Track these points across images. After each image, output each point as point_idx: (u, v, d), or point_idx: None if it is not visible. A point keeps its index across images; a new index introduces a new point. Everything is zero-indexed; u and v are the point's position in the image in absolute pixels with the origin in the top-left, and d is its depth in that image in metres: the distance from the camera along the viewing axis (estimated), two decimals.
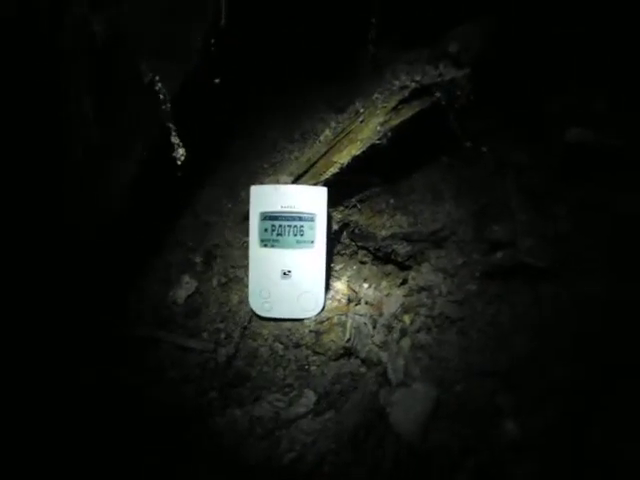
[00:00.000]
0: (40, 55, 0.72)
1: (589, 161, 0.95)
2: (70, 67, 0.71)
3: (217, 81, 0.81)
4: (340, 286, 1.11)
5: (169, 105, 0.77)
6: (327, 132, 1.06)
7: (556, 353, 0.91)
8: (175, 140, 0.77)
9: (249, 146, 1.14)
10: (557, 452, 0.82)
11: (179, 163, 0.79)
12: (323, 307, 1.06)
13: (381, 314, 1.07)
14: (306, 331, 1.04)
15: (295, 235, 1.03)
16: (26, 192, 0.83)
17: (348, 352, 1.03)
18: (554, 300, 0.95)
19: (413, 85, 0.98)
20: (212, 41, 0.79)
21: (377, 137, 1.02)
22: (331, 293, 1.10)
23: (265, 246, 1.03)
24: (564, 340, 0.91)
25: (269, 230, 1.03)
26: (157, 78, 0.75)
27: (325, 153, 1.04)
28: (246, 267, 1.07)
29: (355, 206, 1.14)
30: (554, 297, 0.95)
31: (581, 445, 0.81)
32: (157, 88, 0.75)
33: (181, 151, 0.78)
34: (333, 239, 1.13)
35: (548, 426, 0.84)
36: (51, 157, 0.81)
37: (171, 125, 0.77)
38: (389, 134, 1.02)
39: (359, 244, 1.16)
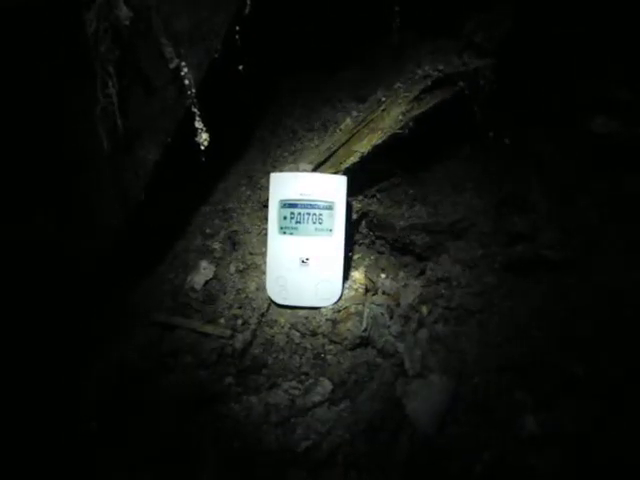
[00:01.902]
0: (66, 42, 0.73)
1: (614, 151, 0.94)
2: (96, 53, 0.71)
3: (240, 68, 0.81)
4: (358, 275, 1.11)
5: (194, 90, 0.77)
6: (348, 121, 1.05)
7: (576, 346, 0.90)
8: (199, 125, 0.78)
9: (269, 134, 1.14)
10: (576, 446, 0.81)
11: (202, 148, 0.79)
12: (340, 296, 1.06)
13: (398, 304, 1.07)
14: (323, 320, 1.04)
15: (314, 223, 1.03)
16: (52, 177, 0.84)
17: (365, 342, 1.03)
18: (575, 293, 0.94)
19: (436, 74, 0.97)
20: (237, 28, 0.79)
21: (398, 127, 1.01)
22: (349, 282, 1.10)
23: (284, 233, 1.03)
24: (585, 333, 0.91)
25: (288, 218, 1.03)
26: (183, 64, 0.75)
27: (346, 142, 1.04)
28: (264, 254, 1.07)
29: (374, 196, 1.13)
30: (575, 290, 0.94)
31: (601, 439, 0.80)
32: (183, 74, 0.76)
33: (205, 136, 0.78)
34: (352, 228, 1.13)
35: (568, 420, 0.83)
36: (76, 145, 0.82)
37: (196, 110, 0.77)
38: (410, 124, 1.01)
39: (377, 234, 1.15)
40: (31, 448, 0.88)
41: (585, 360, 0.88)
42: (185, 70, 0.75)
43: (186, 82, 0.76)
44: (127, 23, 0.66)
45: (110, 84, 0.73)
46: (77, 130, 0.79)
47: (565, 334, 0.92)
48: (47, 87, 0.76)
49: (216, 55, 0.80)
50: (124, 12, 0.65)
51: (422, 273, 1.13)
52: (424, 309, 1.06)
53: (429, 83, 0.97)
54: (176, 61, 0.74)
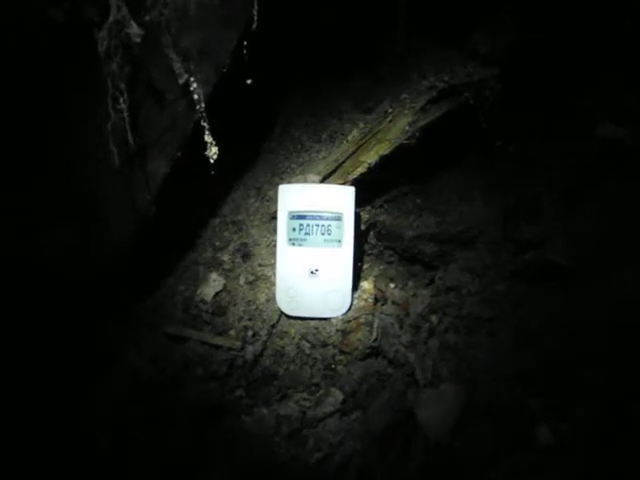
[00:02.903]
0: (77, 59, 0.74)
1: (622, 158, 0.94)
2: (108, 70, 0.72)
3: (249, 82, 0.82)
4: (367, 286, 1.11)
5: (203, 105, 0.78)
6: (355, 132, 1.06)
7: (588, 355, 0.89)
8: (209, 139, 0.79)
9: (277, 146, 1.15)
10: (591, 456, 0.80)
11: (212, 161, 0.80)
12: (350, 306, 1.06)
13: (408, 314, 1.07)
14: (333, 330, 1.04)
15: (323, 234, 1.03)
16: (63, 190, 0.85)
17: (375, 352, 1.03)
18: (585, 301, 0.94)
19: (441, 85, 0.98)
20: (245, 43, 0.81)
21: (405, 137, 1.02)
22: (358, 293, 1.10)
23: (293, 245, 1.04)
24: (596, 342, 0.90)
25: (297, 229, 1.04)
26: (192, 79, 0.77)
27: (353, 153, 1.05)
28: (273, 265, 1.08)
29: (382, 206, 1.14)
30: (585, 297, 0.94)
31: (617, 449, 0.79)
32: (192, 88, 0.77)
33: (214, 149, 0.79)
34: (361, 239, 1.13)
35: (582, 430, 0.82)
36: (88, 160, 0.84)
37: (205, 124, 0.78)
38: (417, 134, 1.02)
39: (386, 244, 1.16)
40: (42, 462, 0.89)
41: (600, 369, 0.87)
42: (194, 85, 0.76)
43: (195, 97, 0.77)
44: (138, 40, 0.68)
45: (121, 100, 0.74)
46: (87, 146, 0.80)
47: (579, 342, 0.92)
48: (60, 103, 0.78)
49: (224, 70, 0.81)
50: (135, 30, 0.67)
51: (431, 282, 1.13)
52: (434, 318, 1.05)
53: (435, 94, 0.98)
54: (185, 76, 0.75)
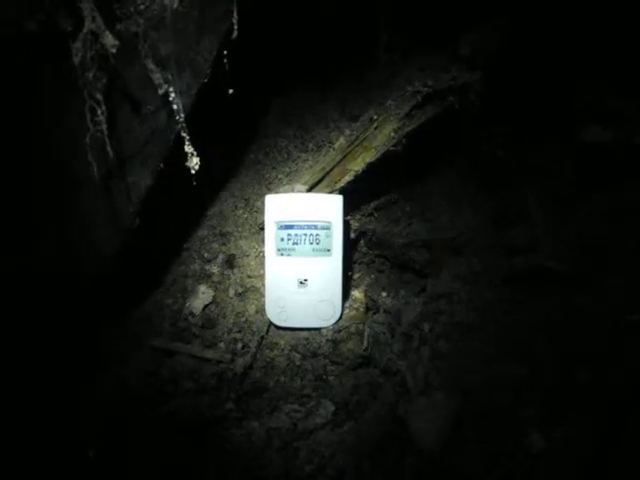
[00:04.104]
0: (54, 70, 0.74)
1: (609, 161, 0.93)
2: (84, 81, 0.72)
3: (230, 92, 0.82)
4: (358, 294, 1.10)
5: (183, 115, 0.78)
6: (341, 140, 1.06)
7: (581, 361, 0.87)
8: (189, 149, 0.78)
9: (264, 156, 1.15)
10: (586, 463, 0.78)
11: (193, 172, 0.80)
12: (341, 316, 1.05)
13: (399, 322, 1.06)
14: (323, 340, 1.03)
15: (311, 243, 1.03)
16: (42, 204, 0.85)
17: (366, 361, 1.02)
18: (576, 305, 0.92)
19: (426, 90, 0.98)
20: (225, 52, 0.80)
21: (391, 144, 1.02)
22: (349, 302, 1.09)
23: (281, 255, 1.03)
24: (589, 347, 0.88)
25: (285, 239, 1.03)
26: (171, 89, 0.77)
27: (340, 161, 1.05)
28: (262, 276, 1.06)
29: (372, 214, 1.13)
30: (576, 302, 0.92)
31: (612, 455, 0.77)
32: (171, 99, 0.77)
33: (195, 160, 0.79)
34: (351, 247, 1.12)
35: (576, 436, 0.80)
36: (69, 172, 0.83)
37: (185, 135, 0.78)
38: (403, 140, 1.02)
39: (376, 252, 1.15)
40: (30, 472, 0.87)
41: (593, 375, 0.86)
42: (173, 95, 0.76)
43: (175, 107, 0.77)
44: (114, 51, 0.68)
45: (99, 112, 0.74)
46: (67, 158, 0.80)
47: (571, 348, 0.90)
48: (38, 114, 0.78)
49: (205, 80, 0.81)
50: (110, 40, 0.67)
51: (423, 290, 1.11)
52: (426, 326, 1.04)
53: (419, 99, 0.98)
54: (165, 87, 0.75)
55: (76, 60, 0.67)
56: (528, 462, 0.81)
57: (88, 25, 0.64)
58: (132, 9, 0.69)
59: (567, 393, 0.85)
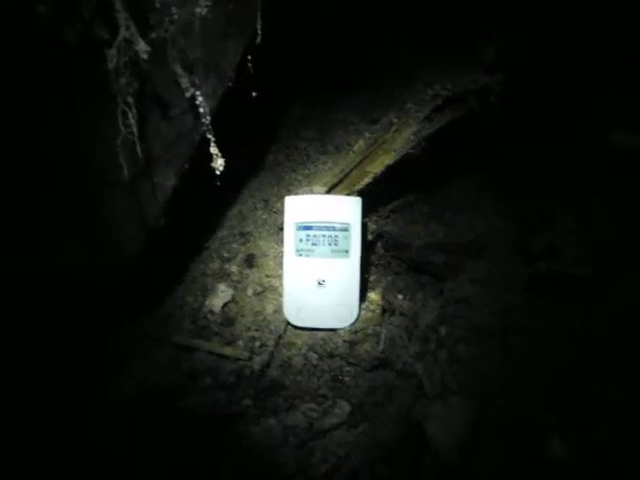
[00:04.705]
0: (89, 75, 0.77)
1: (634, 165, 0.92)
2: (117, 85, 0.74)
3: (254, 94, 0.84)
4: (374, 296, 1.11)
5: (209, 118, 0.80)
6: (360, 143, 1.07)
7: (607, 368, 0.87)
8: (214, 151, 0.80)
9: (284, 158, 1.16)
10: (607, 473, 0.78)
11: (218, 173, 0.82)
12: (357, 317, 1.05)
13: (416, 325, 1.06)
14: (340, 341, 1.04)
15: (330, 245, 1.04)
16: (73, 203, 0.87)
17: (383, 363, 1.02)
18: (599, 311, 0.92)
19: (445, 93, 0.98)
20: (249, 57, 0.82)
21: (410, 146, 1.02)
22: (366, 303, 1.09)
23: (300, 256, 1.04)
24: (611, 354, 0.87)
25: (304, 240, 1.04)
26: (198, 93, 0.79)
27: (359, 163, 1.05)
28: (281, 276, 1.08)
29: (389, 216, 1.14)
30: (599, 308, 0.92)
31: (635, 466, 0.76)
32: (198, 102, 0.79)
33: (220, 161, 0.81)
34: (368, 249, 1.13)
35: (598, 445, 0.80)
36: (97, 173, 0.85)
37: (211, 136, 0.80)
38: (423, 143, 1.02)
39: (393, 254, 1.15)
40: (48, 467, 0.89)
41: (617, 383, 0.85)
42: (200, 99, 0.78)
43: (201, 110, 0.79)
44: (145, 57, 0.70)
45: (130, 115, 0.76)
46: (97, 160, 0.82)
47: (594, 355, 0.89)
48: (72, 119, 0.81)
49: (230, 84, 0.83)
50: (142, 47, 0.69)
51: (440, 293, 1.11)
52: (443, 330, 1.04)
53: (439, 102, 0.98)
54: (191, 90, 0.77)
55: (111, 66, 0.69)
56: (548, 470, 0.80)
57: (123, 33, 0.67)
58: (165, 17, 0.71)
59: (591, 402, 0.84)
